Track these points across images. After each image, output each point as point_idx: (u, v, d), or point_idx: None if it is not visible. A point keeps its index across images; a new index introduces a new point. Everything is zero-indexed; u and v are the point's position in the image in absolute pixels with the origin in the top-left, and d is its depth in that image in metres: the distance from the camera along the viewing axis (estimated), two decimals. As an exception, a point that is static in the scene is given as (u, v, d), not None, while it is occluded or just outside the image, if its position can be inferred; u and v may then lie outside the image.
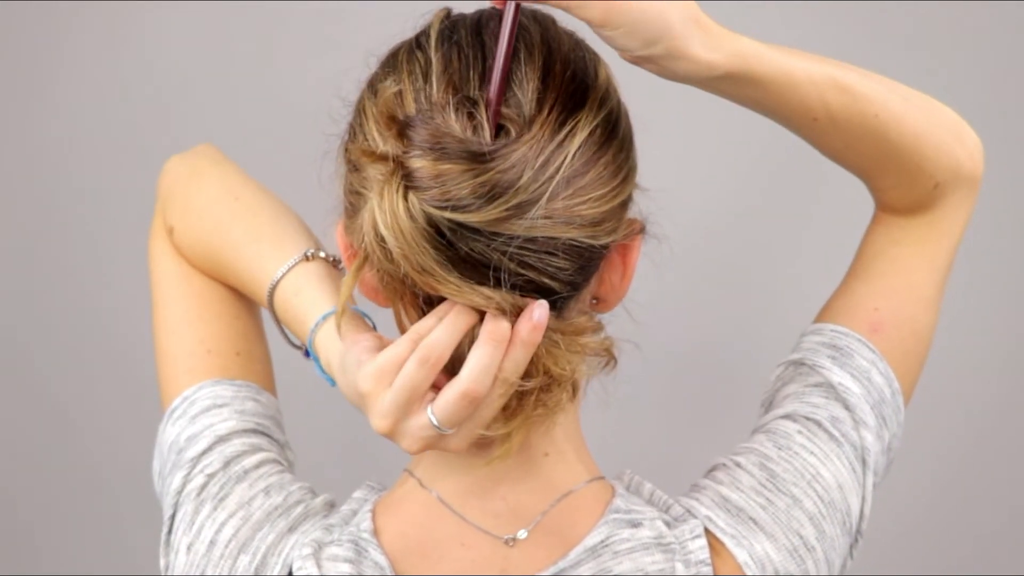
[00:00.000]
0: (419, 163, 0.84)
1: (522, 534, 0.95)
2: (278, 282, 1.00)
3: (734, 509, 0.96)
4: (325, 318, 0.96)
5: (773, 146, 1.64)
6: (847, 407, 0.99)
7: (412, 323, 0.89)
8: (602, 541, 0.94)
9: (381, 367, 0.87)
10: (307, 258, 1.01)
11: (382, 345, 0.90)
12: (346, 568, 0.94)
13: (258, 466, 1.01)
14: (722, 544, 0.94)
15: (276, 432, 1.06)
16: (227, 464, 1.01)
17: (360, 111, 0.90)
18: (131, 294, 1.60)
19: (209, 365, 1.07)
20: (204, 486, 1.00)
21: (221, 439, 1.02)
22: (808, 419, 0.98)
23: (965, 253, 1.07)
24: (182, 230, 1.08)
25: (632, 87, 0.94)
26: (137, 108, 1.94)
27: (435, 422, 0.86)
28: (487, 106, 0.85)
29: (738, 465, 0.98)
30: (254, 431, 1.04)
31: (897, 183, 0.99)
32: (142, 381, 1.54)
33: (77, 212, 1.96)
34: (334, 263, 1.01)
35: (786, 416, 0.99)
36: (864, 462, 0.98)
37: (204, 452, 1.02)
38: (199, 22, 1.92)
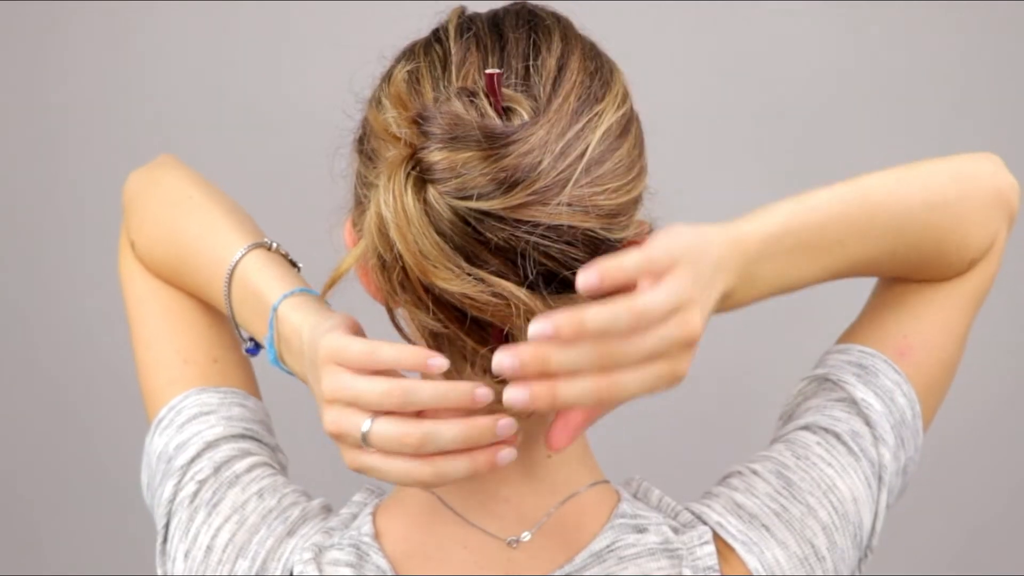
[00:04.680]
0: (437, 156, 0.82)
1: (526, 536, 0.93)
2: (239, 261, 0.99)
3: (747, 516, 0.94)
4: (302, 291, 0.94)
5: (786, 156, 1.65)
6: (868, 423, 0.98)
7: (418, 322, 0.88)
8: (607, 546, 0.93)
9: (345, 349, 0.84)
10: (267, 248, 1.00)
11: (358, 331, 0.88)
12: (347, 571, 0.92)
13: (249, 470, 1.00)
14: (732, 550, 0.93)
15: (265, 436, 1.05)
16: (218, 469, 1.00)
17: (376, 101, 0.90)
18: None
19: (188, 375, 1.06)
20: (196, 493, 0.99)
21: (210, 445, 1.01)
22: (828, 431, 0.98)
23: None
24: (142, 242, 1.08)
25: (642, 92, 0.94)
26: (143, 106, 1.94)
27: (363, 429, 0.83)
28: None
29: (754, 472, 0.97)
30: (243, 436, 1.03)
31: (930, 279, 1.01)
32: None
33: (79, 211, 1.96)
34: (291, 263, 1.00)
35: (806, 427, 0.99)
36: (880, 479, 0.98)
37: (194, 459, 1.01)
38: (208, 21, 1.92)
